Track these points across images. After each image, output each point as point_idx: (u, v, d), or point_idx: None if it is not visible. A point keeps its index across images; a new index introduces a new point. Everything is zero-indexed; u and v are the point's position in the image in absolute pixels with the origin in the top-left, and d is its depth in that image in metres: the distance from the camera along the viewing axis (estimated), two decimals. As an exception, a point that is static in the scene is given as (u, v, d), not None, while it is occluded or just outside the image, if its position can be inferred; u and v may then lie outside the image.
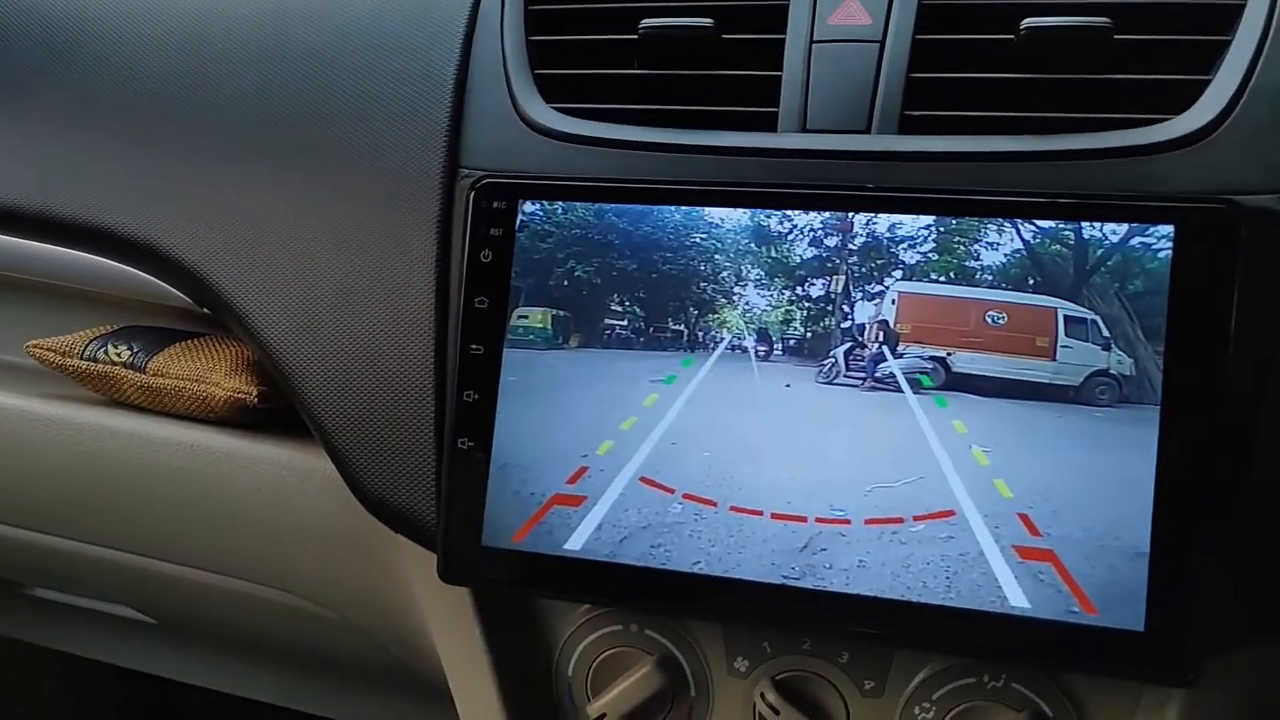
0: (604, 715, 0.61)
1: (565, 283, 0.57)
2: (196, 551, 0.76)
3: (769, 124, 0.58)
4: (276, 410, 0.71)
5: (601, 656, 0.63)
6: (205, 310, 0.72)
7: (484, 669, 0.64)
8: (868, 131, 0.56)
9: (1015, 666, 0.56)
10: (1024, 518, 0.49)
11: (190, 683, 1.09)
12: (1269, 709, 0.55)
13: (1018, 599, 0.49)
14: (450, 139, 0.62)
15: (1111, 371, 0.49)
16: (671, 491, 0.54)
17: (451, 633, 0.65)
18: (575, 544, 0.55)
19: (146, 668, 1.10)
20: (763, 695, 0.59)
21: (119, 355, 0.75)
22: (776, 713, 0.58)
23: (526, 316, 0.57)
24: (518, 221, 0.57)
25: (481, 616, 0.64)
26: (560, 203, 0.57)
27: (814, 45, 0.58)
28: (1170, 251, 0.48)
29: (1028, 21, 0.55)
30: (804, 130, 0.57)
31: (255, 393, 0.71)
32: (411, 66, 0.64)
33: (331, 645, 0.83)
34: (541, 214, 0.57)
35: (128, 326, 0.79)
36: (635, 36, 0.61)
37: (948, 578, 0.50)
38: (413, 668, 0.77)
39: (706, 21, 0.59)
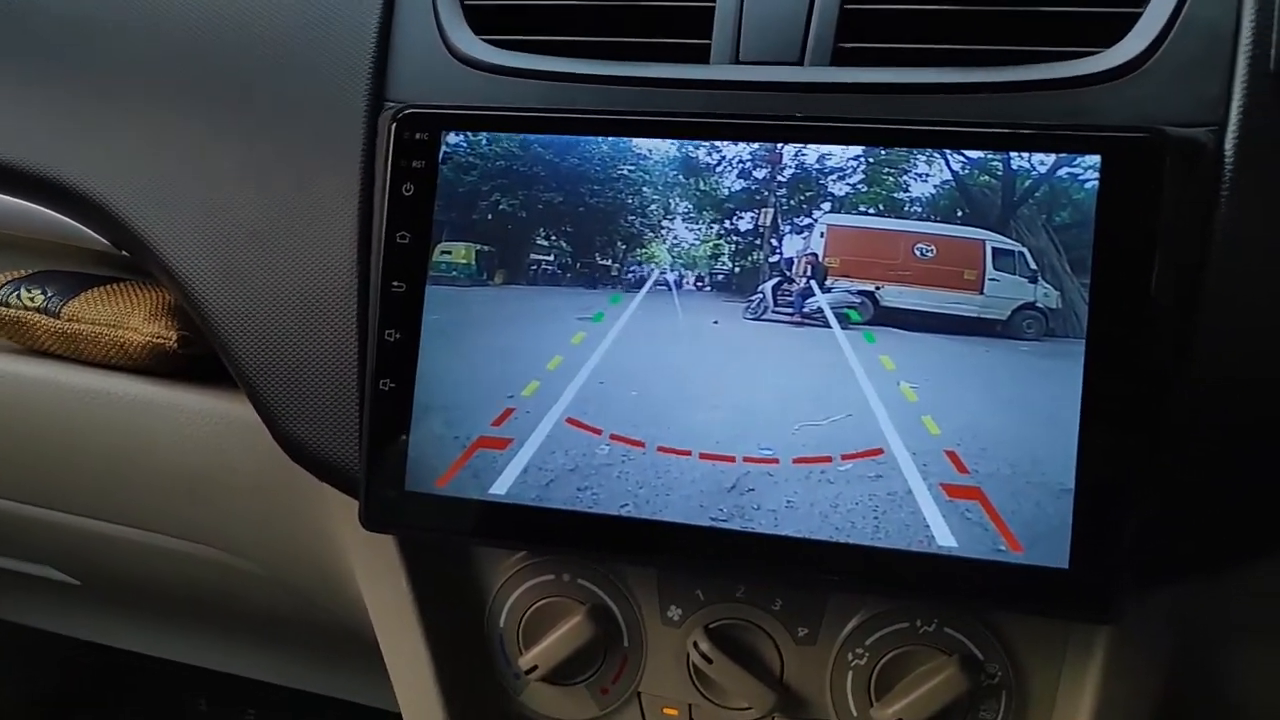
0: (535, 667, 0.60)
1: (490, 216, 0.55)
2: (116, 506, 0.74)
3: (701, 56, 0.56)
4: (198, 357, 0.69)
5: (533, 607, 0.62)
6: (124, 254, 0.70)
7: (412, 623, 0.63)
8: (800, 63, 0.55)
9: (944, 608, 0.56)
10: (951, 455, 0.49)
11: (116, 646, 1.06)
12: (1194, 650, 0.55)
13: (945, 538, 0.48)
14: (375, 71, 0.60)
15: (1039, 305, 0.48)
16: (599, 433, 0.53)
17: (378, 586, 0.64)
18: (501, 488, 0.54)
19: (70, 631, 1.08)
20: (696, 644, 0.58)
21: (32, 300, 0.72)
22: (710, 661, 0.57)
23: (450, 252, 0.55)
24: (440, 153, 0.55)
25: (409, 568, 0.63)
26: (484, 134, 0.55)
27: (747, -26, 0.57)
28: (1096, 182, 0.48)
29: (963, -48, 0.54)
30: (736, 62, 0.56)
31: (175, 337, 0.68)
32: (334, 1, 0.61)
33: (260, 602, 0.81)
34: (465, 145, 0.55)
35: (42, 271, 0.76)
36: (566, -34, 0.59)
37: (876, 518, 0.49)
38: (343, 623, 0.75)
39: (639, -49, 0.58)
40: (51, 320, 0.71)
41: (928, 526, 0.49)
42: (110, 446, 0.71)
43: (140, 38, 0.66)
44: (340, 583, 0.68)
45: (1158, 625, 0.53)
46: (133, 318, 0.70)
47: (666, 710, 0.61)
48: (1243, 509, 0.50)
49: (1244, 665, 0.58)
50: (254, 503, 0.69)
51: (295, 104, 0.61)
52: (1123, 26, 0.52)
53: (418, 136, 0.56)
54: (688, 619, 0.60)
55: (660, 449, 0.52)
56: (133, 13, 0.66)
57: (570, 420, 0.53)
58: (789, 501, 0.50)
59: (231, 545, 0.74)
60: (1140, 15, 0.52)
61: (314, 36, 0.61)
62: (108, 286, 0.74)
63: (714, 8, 0.57)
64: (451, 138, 0.55)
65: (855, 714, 0.58)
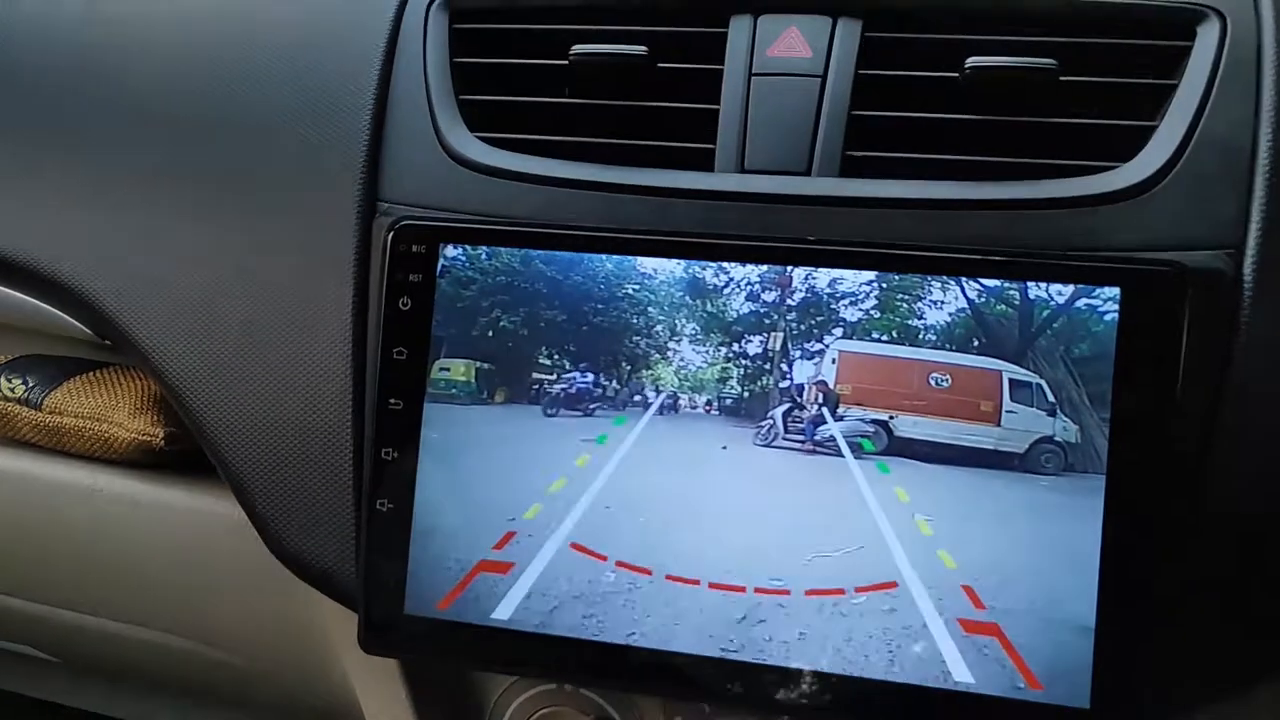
0: (537, 779, 0.59)
1: (490, 333, 0.54)
2: (99, 600, 0.72)
3: (705, 162, 0.55)
4: (186, 452, 0.67)
5: (536, 716, 0.60)
6: (107, 342, 0.68)
7: (409, 731, 0.61)
8: (808, 173, 0.54)
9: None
10: (968, 590, 0.48)
11: (101, 713, 1.04)
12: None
13: (962, 674, 0.47)
14: (368, 169, 0.58)
15: (1057, 438, 0.48)
16: (604, 559, 0.51)
17: (376, 693, 0.62)
18: (503, 613, 0.52)
19: (50, 697, 1.05)
20: (701, 758, 0.57)
21: (13, 390, 0.70)
22: (714, 777, 0.56)
23: (448, 369, 0.54)
24: (439, 267, 0.54)
25: (408, 677, 0.61)
26: (484, 247, 0.54)
27: (753, 78, 0.55)
28: (1116, 314, 0.47)
29: (972, 60, 0.53)
30: (742, 170, 0.54)
31: (162, 434, 0.67)
32: (328, 90, 0.60)
33: (250, 692, 0.79)
34: (464, 259, 0.54)
35: (24, 357, 0.74)
36: (566, 62, 0.57)
37: (890, 652, 0.48)
38: (331, 716, 0.74)
39: (640, 49, 0.56)
40: (33, 412, 0.69)
41: (944, 662, 0.48)
42: (92, 542, 0.69)
43: (129, 127, 0.64)
44: (335, 687, 0.66)
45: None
46: (118, 411, 0.68)
47: (672, 822, 0.60)
48: (1260, 633, 0.49)
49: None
50: (243, 603, 0.67)
51: (287, 200, 0.59)
52: (1137, 141, 0.51)
53: (414, 249, 0.54)
54: (693, 731, 0.58)
55: (668, 577, 0.51)
56: (120, 100, 0.64)
57: (575, 545, 0.52)
58: (801, 634, 0.49)
59: (215, 641, 0.72)
60: (1155, 129, 0.51)
61: (305, 130, 0.59)
62: (92, 375, 0.72)
63: (718, 110, 0.55)
64: (450, 251, 0.54)
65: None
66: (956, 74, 0.53)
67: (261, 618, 0.67)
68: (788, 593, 0.49)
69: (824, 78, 0.55)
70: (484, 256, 0.54)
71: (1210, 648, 0.48)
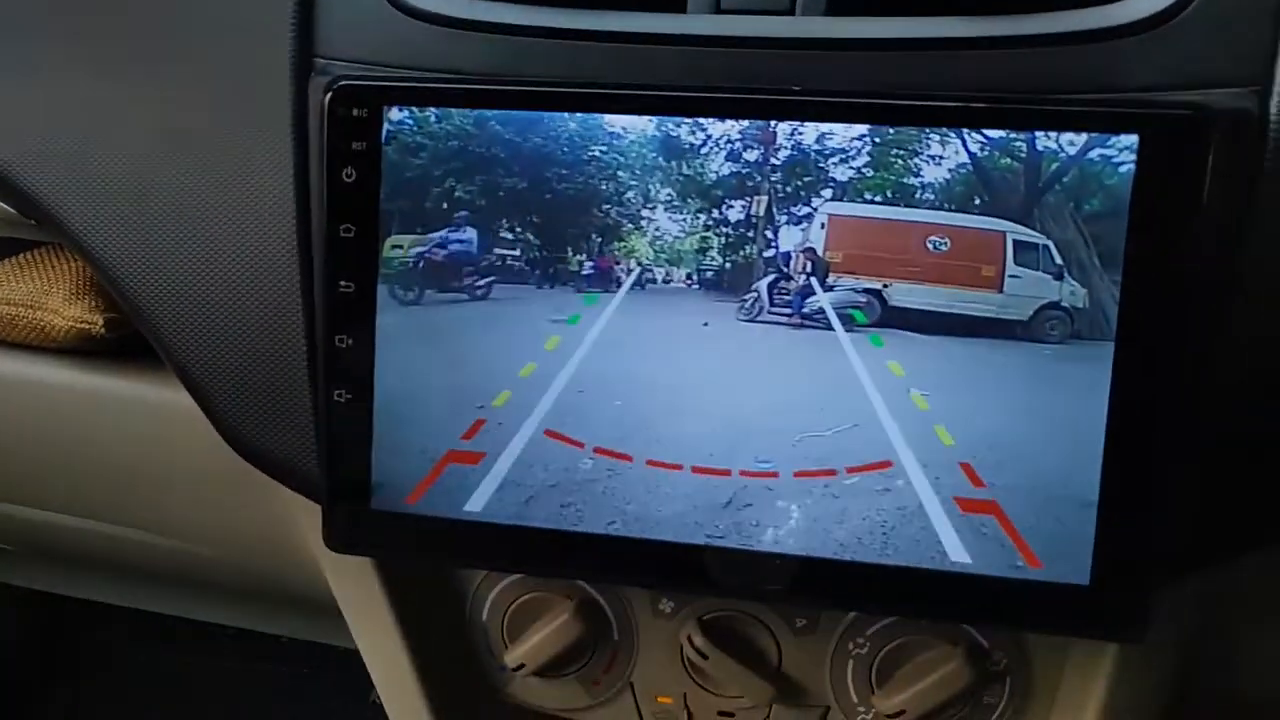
0: (523, 665, 0.57)
1: (444, 205, 0.49)
2: (51, 497, 0.69)
3: (679, 4, 0.49)
4: (128, 338, 0.62)
5: (517, 602, 0.58)
6: (33, 222, 0.62)
7: (389, 624, 0.59)
8: (791, 11, 0.48)
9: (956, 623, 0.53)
10: (966, 467, 0.45)
11: (61, 593, 1.03)
12: (1209, 636, 0.54)
13: (958, 554, 0.45)
14: (300, 19, 0.52)
15: (1064, 304, 0.44)
16: (581, 445, 0.48)
17: (351, 587, 0.60)
18: (476, 505, 0.49)
19: (24, 582, 1.04)
20: (690, 638, 0.55)
21: (-63, 279, 0.65)
22: (705, 657, 0.55)
23: (401, 246, 0.49)
24: (384, 132, 0.48)
25: (381, 570, 0.59)
26: (433, 109, 0.48)
27: (729, -92, 0.49)
28: (1133, 166, 0.42)
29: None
30: (718, 10, 0.49)
31: (101, 321, 0.62)
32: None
33: (217, 578, 0.77)
34: (412, 122, 0.48)
35: (-54, 242, 0.68)
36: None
37: (884, 534, 0.46)
38: (313, 594, 0.72)
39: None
40: (-40, 302, 0.64)
41: (940, 542, 0.46)
42: (37, 435, 0.66)
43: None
44: (307, 577, 0.64)
45: (1173, 612, 0.51)
46: (53, 296, 0.63)
47: (660, 699, 0.59)
48: (1265, 495, 0.47)
49: (1259, 650, 0.57)
50: (203, 494, 0.64)
51: (214, 60, 0.54)
52: None
53: (356, 112, 0.48)
54: (680, 611, 0.57)
55: (649, 462, 0.48)
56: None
57: (549, 432, 0.49)
58: (790, 517, 0.47)
59: (181, 535, 0.69)
60: (1173, -45, 0.45)
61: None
62: (24, 255, 0.67)
63: (690, -56, 0.49)
64: (395, 113, 0.48)
65: (856, 703, 0.56)
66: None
67: (226, 511, 0.64)
68: (776, 475, 0.47)
69: None
70: (433, 119, 0.48)
71: (1209, 510, 0.46)
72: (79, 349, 0.64)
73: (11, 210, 0.62)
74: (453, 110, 0.48)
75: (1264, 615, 0.56)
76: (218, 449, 0.56)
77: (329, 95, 0.49)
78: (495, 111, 0.48)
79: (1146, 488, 0.44)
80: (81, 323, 0.62)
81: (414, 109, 0.48)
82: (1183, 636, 0.52)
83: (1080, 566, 0.44)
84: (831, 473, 0.46)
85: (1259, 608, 0.55)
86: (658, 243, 0.47)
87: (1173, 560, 0.46)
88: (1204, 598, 0.51)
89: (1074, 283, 0.44)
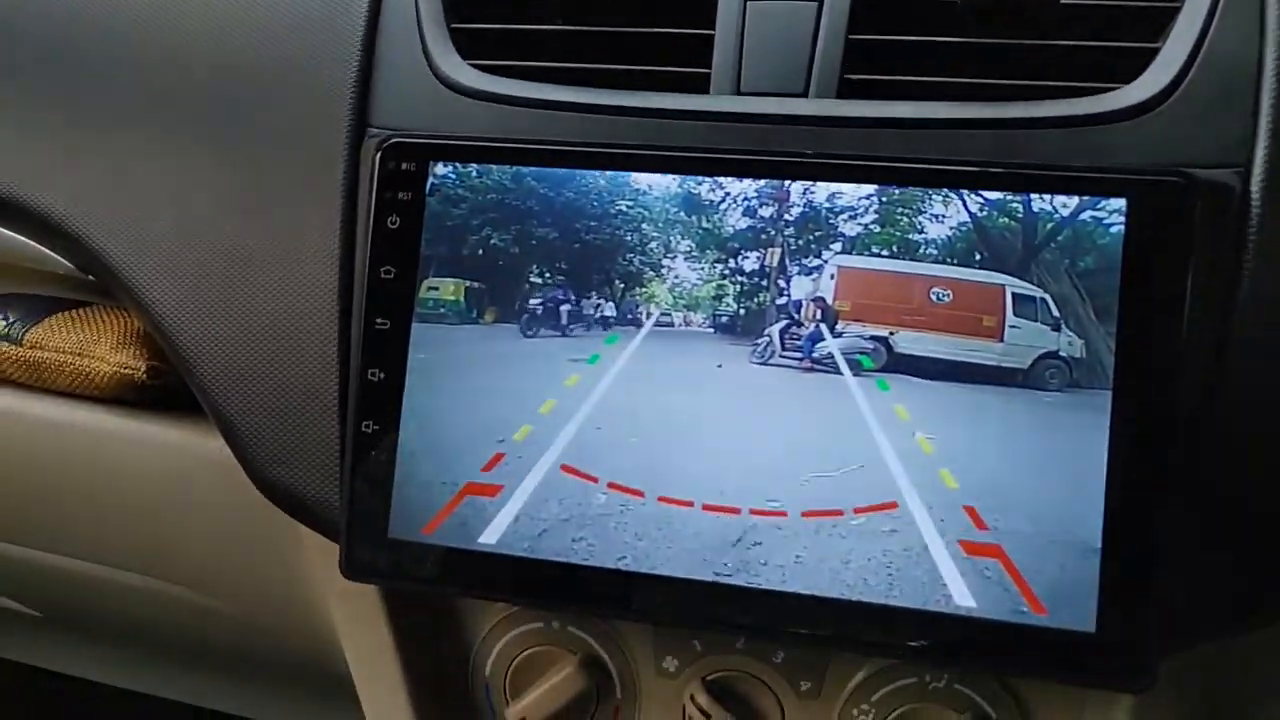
0: (524, 719, 0.57)
1: (480, 252, 0.52)
2: (78, 541, 0.70)
3: (701, 86, 0.54)
4: (169, 388, 0.65)
5: (521, 655, 0.59)
6: (91, 278, 0.66)
7: (393, 668, 0.59)
8: (805, 95, 0.52)
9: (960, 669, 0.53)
10: (970, 510, 0.46)
11: (81, 677, 1.02)
12: (1220, 707, 0.53)
13: (963, 597, 0.46)
14: (357, 95, 0.57)
15: (1061, 354, 0.46)
16: (595, 480, 0.50)
17: (357, 629, 0.61)
18: (490, 537, 0.51)
19: (33, 660, 1.03)
20: (693, 697, 0.55)
21: (-6, 327, 0.68)
22: (707, 716, 0.55)
23: (437, 288, 0.52)
24: (428, 185, 0.52)
25: (390, 612, 0.59)
26: (474, 165, 0.52)
27: (748, 3, 0.54)
28: (1123, 226, 0.45)
29: (971, -18, 0.51)
30: (738, 93, 0.53)
31: (144, 368, 0.65)
32: (316, 16, 0.58)
33: (230, 641, 0.78)
34: (454, 177, 0.52)
35: (5, 294, 0.72)
36: (558, -11, 0.56)
37: (890, 575, 0.47)
38: (315, 664, 0.72)
39: (633, -27, 0.55)
40: (14, 348, 0.67)
41: (945, 585, 0.46)
42: (73, 479, 0.67)
43: (114, 60, 0.62)
44: (315, 625, 0.65)
45: (1184, 685, 0.51)
46: (99, 345, 0.67)
47: (662, 762, 0.59)
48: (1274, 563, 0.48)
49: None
50: (225, 542, 0.66)
51: (274, 130, 0.58)
52: (1141, 61, 0.50)
53: (404, 167, 0.53)
54: (684, 670, 0.57)
55: (661, 499, 0.49)
56: (108, 36, 0.63)
57: (565, 467, 0.50)
58: (798, 557, 0.48)
59: (198, 584, 0.70)
60: (1159, 50, 0.50)
61: (294, 59, 0.58)
62: (75, 311, 0.70)
63: (714, 35, 0.54)
64: (440, 169, 0.52)
65: (861, 772, 0.55)
66: (955, -3, 0.52)
67: (244, 557, 0.65)
68: (784, 514, 0.48)
69: (820, 2, 0.53)
70: (474, 174, 0.52)
71: (1219, 573, 0.47)
72: (121, 398, 0.67)
73: (71, 266, 0.66)
74: (492, 167, 0.52)
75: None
76: (242, 495, 0.58)
77: (380, 151, 0.53)
78: (531, 168, 0.52)
79: (1149, 536, 0.45)
80: (125, 368, 0.65)
81: (458, 164, 0.52)
82: (1201, 708, 0.52)
83: (1085, 614, 0.45)
84: (839, 513, 0.47)
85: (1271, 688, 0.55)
86: (677, 289, 0.50)
87: (1179, 619, 0.47)
88: (1222, 667, 0.51)
89: (1071, 334, 0.46)
